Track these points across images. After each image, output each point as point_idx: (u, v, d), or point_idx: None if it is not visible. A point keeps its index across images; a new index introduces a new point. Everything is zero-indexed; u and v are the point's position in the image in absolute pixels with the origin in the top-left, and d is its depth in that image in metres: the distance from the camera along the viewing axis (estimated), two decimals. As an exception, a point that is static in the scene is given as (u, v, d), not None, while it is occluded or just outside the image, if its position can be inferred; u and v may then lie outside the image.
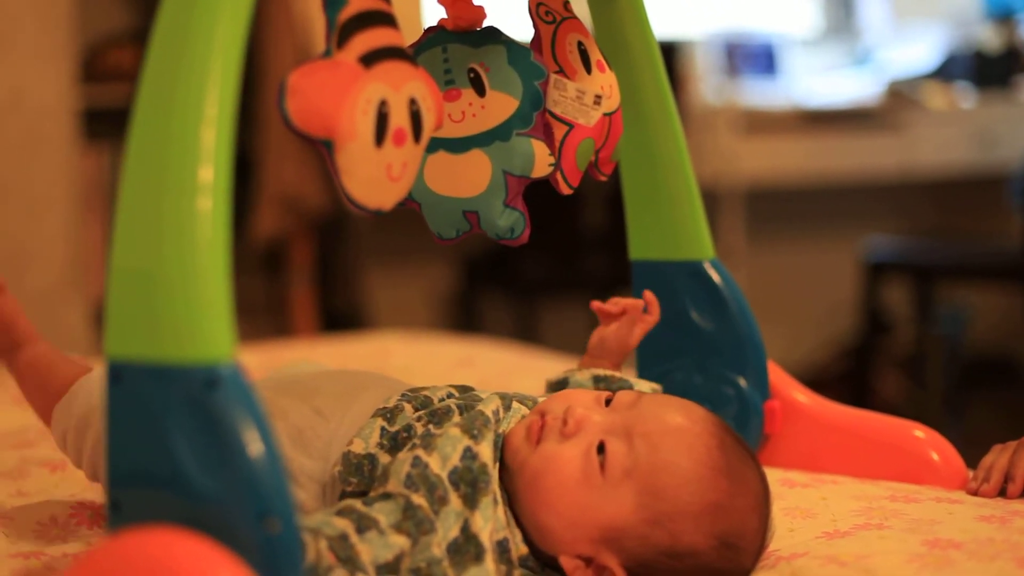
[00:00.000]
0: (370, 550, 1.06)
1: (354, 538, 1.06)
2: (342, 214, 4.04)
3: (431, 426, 1.18)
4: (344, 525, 1.06)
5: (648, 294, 1.46)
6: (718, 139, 4.42)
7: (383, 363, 2.24)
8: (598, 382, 1.40)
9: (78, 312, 3.55)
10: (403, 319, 4.35)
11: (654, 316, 1.45)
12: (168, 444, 0.89)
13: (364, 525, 1.07)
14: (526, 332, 4.34)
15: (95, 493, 1.36)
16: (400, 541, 1.08)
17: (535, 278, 4.36)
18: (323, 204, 3.91)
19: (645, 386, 1.42)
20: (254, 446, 0.87)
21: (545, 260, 4.33)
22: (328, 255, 4.24)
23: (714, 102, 4.61)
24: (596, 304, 1.44)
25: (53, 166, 3.50)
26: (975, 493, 1.40)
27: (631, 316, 1.44)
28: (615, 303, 1.44)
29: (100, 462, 1.21)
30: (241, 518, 0.87)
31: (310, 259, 4.07)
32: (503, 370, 2.26)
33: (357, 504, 1.10)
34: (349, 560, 1.04)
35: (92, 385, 1.26)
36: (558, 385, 1.42)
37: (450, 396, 1.25)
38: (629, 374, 1.47)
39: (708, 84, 4.82)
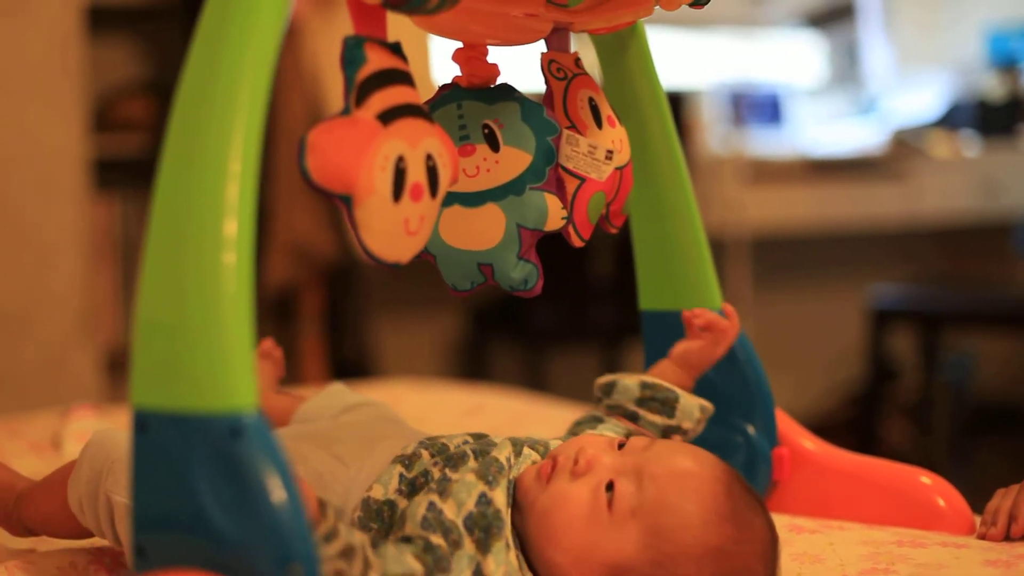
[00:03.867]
0: (383, 564, 1.09)
1: (368, 551, 1.08)
2: (352, 263, 4.06)
3: (447, 470, 1.20)
4: (362, 539, 1.08)
5: (727, 307, 1.51)
6: (724, 188, 4.45)
7: (394, 410, 2.25)
8: (645, 388, 1.43)
9: (89, 360, 3.57)
10: (411, 367, 4.37)
11: (735, 328, 1.50)
12: (193, 491, 0.91)
13: (381, 543, 1.11)
14: (534, 381, 4.35)
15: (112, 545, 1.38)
16: (415, 566, 1.10)
17: (543, 327, 4.37)
18: (333, 253, 3.93)
19: (693, 401, 1.44)
20: (277, 493, 0.90)
21: (553, 309, 4.34)
22: (338, 303, 4.26)
23: (720, 151, 4.64)
24: (687, 314, 1.48)
25: (65, 214, 3.53)
26: (983, 537, 1.42)
27: (716, 334, 1.48)
28: (700, 316, 1.48)
29: (116, 524, 1.24)
30: (264, 563, 0.89)
31: (320, 307, 4.09)
32: (513, 417, 2.28)
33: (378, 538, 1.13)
34: (363, 563, 1.06)
35: (95, 450, 1.27)
36: (607, 386, 1.45)
37: (466, 443, 1.28)
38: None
39: (714, 134, 4.85)
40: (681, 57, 5.25)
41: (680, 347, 1.49)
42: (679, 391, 1.44)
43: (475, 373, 4.54)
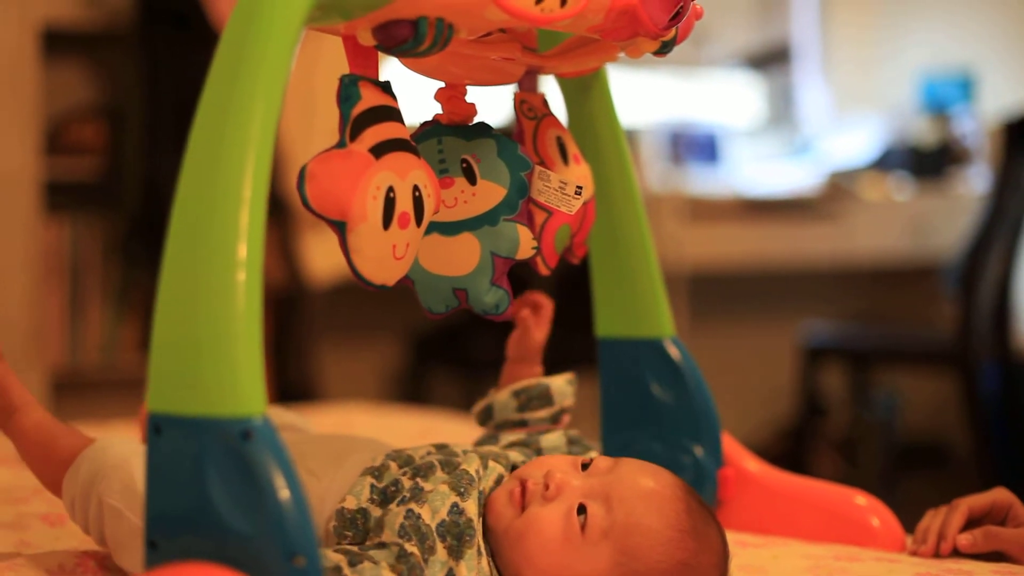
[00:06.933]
0: None
1: (347, 570, 1.16)
2: (298, 289, 4.12)
3: (418, 479, 1.28)
4: (338, 559, 1.17)
5: (536, 297, 1.61)
6: (663, 225, 4.51)
7: (347, 434, 2.31)
8: (518, 395, 1.53)
9: (37, 379, 3.61)
10: (353, 393, 4.42)
11: (547, 308, 1.60)
12: (204, 489, 0.99)
13: (357, 560, 1.18)
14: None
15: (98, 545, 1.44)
16: None
17: (483, 356, 4.42)
18: (280, 280, 4.00)
19: (560, 381, 1.55)
20: (283, 491, 0.98)
21: (492, 338, 4.39)
22: (284, 329, 4.31)
23: (659, 189, 4.71)
24: (524, 313, 1.59)
25: (16, 236, 3.57)
26: (915, 554, 1.51)
27: (539, 315, 1.61)
28: (530, 303, 1.59)
29: (104, 527, 1.30)
30: (271, 556, 0.97)
31: (266, 333, 4.14)
32: (462, 441, 2.34)
33: (353, 548, 1.21)
34: None
35: (95, 454, 1.32)
36: (486, 411, 1.55)
37: (430, 454, 1.35)
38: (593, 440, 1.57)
39: (653, 171, 4.93)
40: (622, 95, 5.33)
41: (511, 345, 1.61)
42: (545, 380, 1.54)
43: (415, 400, 4.58)
